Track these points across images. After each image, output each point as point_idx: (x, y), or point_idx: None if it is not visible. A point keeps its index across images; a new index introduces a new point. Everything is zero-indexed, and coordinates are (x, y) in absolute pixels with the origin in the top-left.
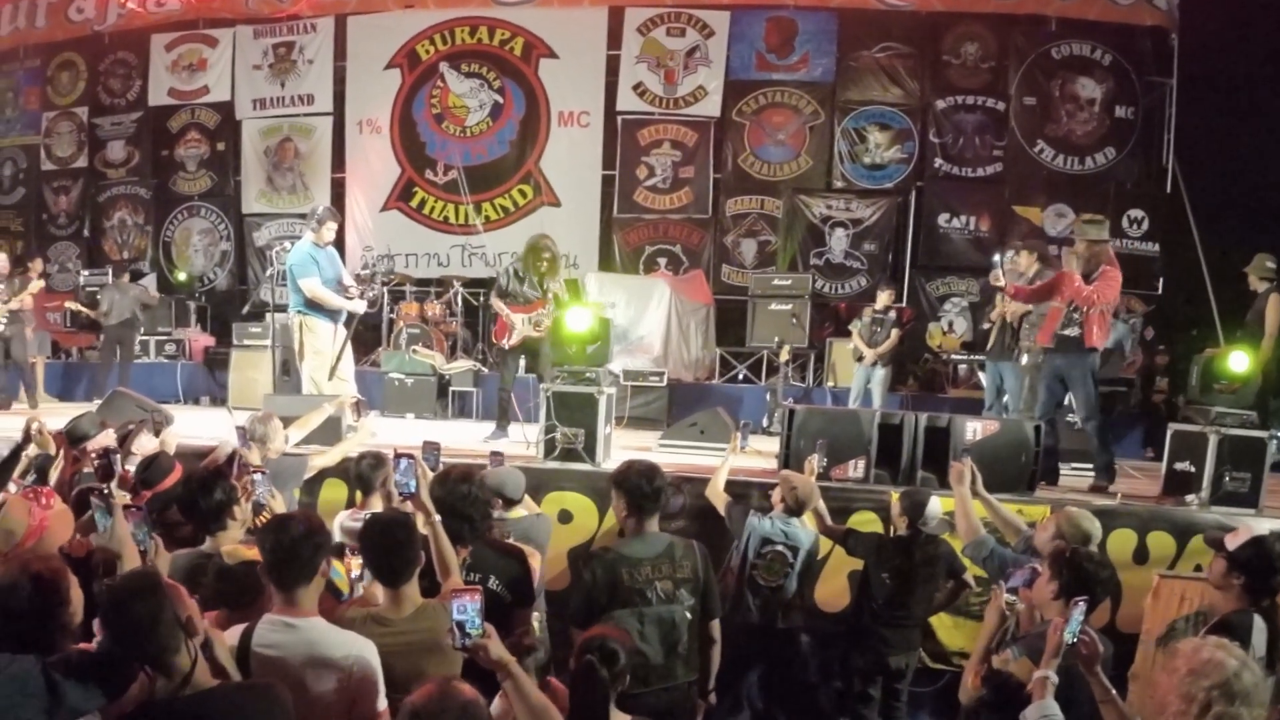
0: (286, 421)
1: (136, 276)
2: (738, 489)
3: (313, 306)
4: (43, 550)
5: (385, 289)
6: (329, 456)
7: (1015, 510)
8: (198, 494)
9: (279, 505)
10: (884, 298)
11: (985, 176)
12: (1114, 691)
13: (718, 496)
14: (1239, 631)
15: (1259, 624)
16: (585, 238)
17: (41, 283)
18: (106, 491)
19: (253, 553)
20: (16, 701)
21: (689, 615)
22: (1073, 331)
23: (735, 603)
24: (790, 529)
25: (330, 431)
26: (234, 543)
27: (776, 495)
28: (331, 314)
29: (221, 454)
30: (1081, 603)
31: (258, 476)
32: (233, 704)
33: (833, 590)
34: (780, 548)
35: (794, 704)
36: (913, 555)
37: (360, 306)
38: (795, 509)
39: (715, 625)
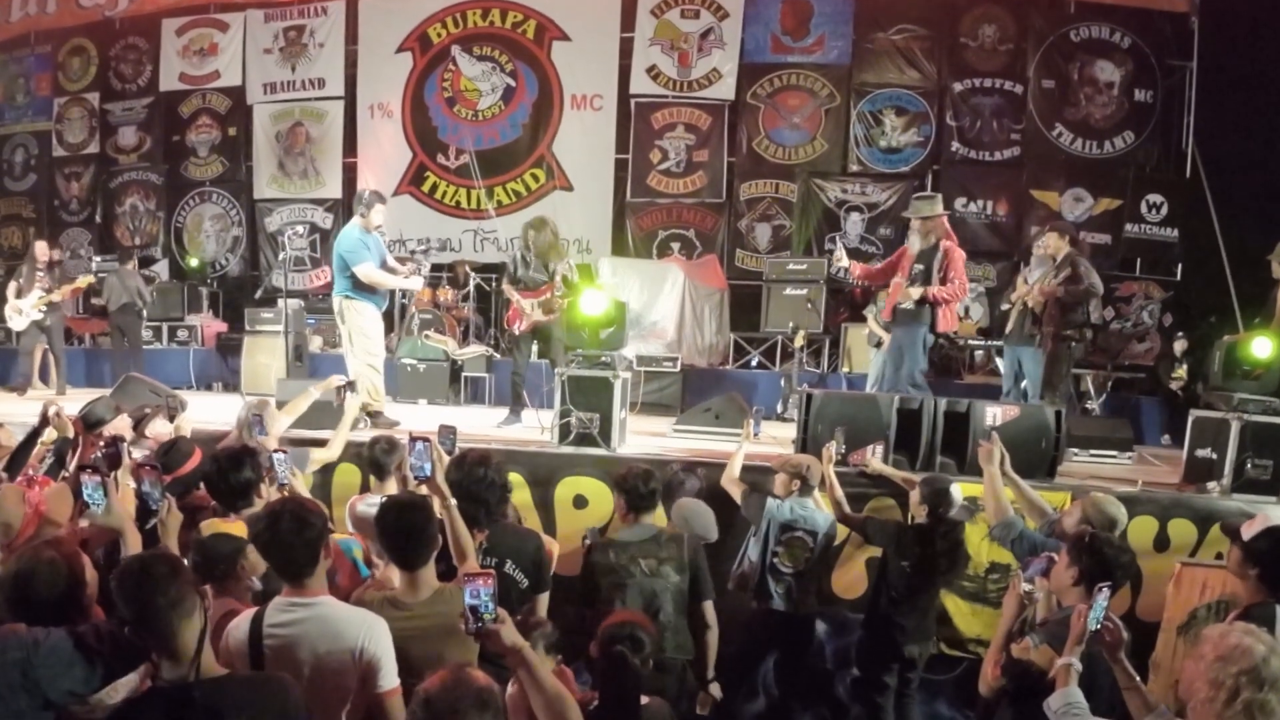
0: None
1: (147, 263)
2: (755, 475)
3: (359, 290)
4: (49, 526)
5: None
6: (331, 450)
7: None
8: (227, 470)
9: (300, 485)
10: None
11: (1003, 160)
12: (1138, 678)
13: (733, 484)
14: (1262, 623)
15: None
16: (598, 222)
17: (90, 278)
18: (113, 477)
19: (231, 526)
20: (60, 671)
21: (670, 587)
22: (908, 304)
23: (758, 591)
24: (807, 512)
25: (327, 415)
26: None
27: (779, 483)
28: (377, 297)
29: (234, 440)
30: (1106, 589)
31: (279, 456)
32: (242, 693)
33: (850, 577)
34: (800, 533)
35: (809, 691)
36: (933, 543)
37: (417, 283)
38: (809, 485)
39: (709, 607)
